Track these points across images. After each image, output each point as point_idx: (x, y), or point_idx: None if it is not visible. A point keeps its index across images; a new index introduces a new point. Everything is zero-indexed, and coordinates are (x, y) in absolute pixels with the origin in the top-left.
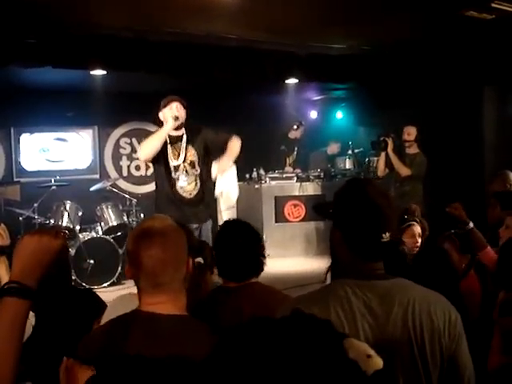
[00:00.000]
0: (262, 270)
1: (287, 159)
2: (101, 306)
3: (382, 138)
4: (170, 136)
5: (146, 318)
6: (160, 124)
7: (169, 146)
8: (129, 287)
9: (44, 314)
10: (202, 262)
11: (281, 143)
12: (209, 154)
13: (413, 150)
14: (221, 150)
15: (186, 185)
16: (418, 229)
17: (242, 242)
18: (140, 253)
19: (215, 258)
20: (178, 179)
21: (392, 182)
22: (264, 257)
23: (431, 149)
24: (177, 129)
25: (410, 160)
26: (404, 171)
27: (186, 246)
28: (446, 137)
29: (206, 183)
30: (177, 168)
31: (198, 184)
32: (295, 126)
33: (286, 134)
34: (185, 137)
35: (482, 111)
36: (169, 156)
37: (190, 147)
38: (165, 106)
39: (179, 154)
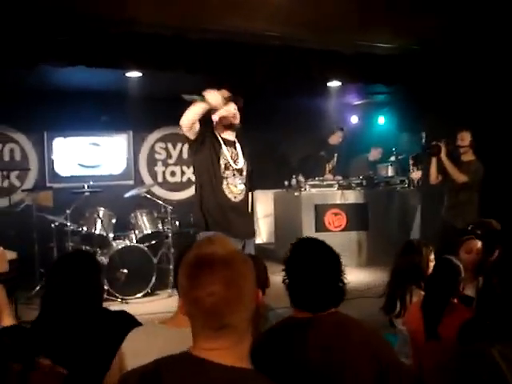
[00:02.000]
0: (343, 299)
1: (327, 166)
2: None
3: (434, 143)
4: (224, 139)
5: (196, 365)
6: (212, 127)
7: (224, 148)
8: (163, 298)
9: (74, 337)
10: None
11: (320, 149)
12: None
13: (468, 156)
14: None
15: (239, 187)
16: (477, 244)
17: (321, 265)
18: (198, 288)
19: (285, 283)
20: (230, 181)
21: (446, 191)
22: (344, 283)
23: (485, 155)
24: (230, 130)
25: (466, 167)
26: (460, 178)
27: (254, 274)
28: (501, 142)
29: (249, 194)
30: (230, 170)
31: (244, 192)
32: (335, 132)
33: (326, 140)
34: (237, 142)
35: None
36: (223, 159)
37: (241, 155)
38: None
39: (236, 159)
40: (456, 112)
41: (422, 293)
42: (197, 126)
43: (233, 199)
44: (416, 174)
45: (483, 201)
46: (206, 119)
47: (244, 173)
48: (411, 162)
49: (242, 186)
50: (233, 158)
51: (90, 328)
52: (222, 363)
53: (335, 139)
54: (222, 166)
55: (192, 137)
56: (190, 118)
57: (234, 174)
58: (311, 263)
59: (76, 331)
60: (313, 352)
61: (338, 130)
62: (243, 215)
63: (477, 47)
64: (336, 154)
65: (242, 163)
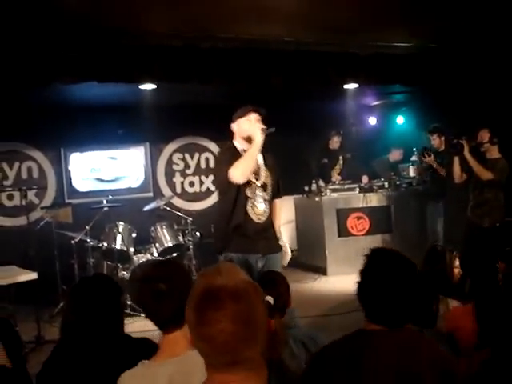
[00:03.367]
0: (418, 314)
1: (332, 171)
2: None
3: (455, 141)
4: (245, 151)
5: None
6: (231, 137)
7: None
8: None
9: (95, 366)
10: (271, 301)
11: (322, 156)
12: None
13: (493, 154)
14: None
15: (262, 208)
16: None
17: (403, 280)
18: (207, 325)
19: (358, 295)
20: (253, 201)
21: (470, 189)
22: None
23: (507, 153)
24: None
25: (491, 164)
26: (485, 175)
27: (265, 304)
28: None
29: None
30: (253, 189)
31: (268, 209)
32: (332, 137)
33: (327, 146)
34: (260, 155)
35: None
36: None
37: (264, 167)
38: (241, 116)
39: (258, 174)
40: (475, 110)
41: (450, 300)
42: None
43: (256, 221)
44: (426, 160)
45: (509, 199)
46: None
47: (269, 187)
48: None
49: (266, 206)
50: (255, 172)
51: (110, 358)
52: None
53: (334, 144)
54: (247, 190)
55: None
56: (245, 174)
57: (256, 192)
58: (393, 277)
59: (97, 360)
60: (385, 364)
61: (336, 134)
62: (267, 234)
63: (493, 44)
64: (341, 157)
65: (264, 177)
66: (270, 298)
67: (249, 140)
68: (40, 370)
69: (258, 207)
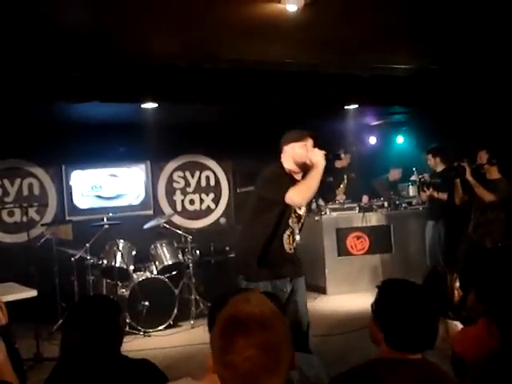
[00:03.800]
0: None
1: (336, 190)
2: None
3: (457, 164)
4: (294, 179)
5: None
6: (279, 160)
7: None
8: (186, 329)
9: None
10: None
11: (327, 174)
12: None
13: (494, 175)
14: None
15: (298, 239)
16: None
17: (423, 308)
18: (233, 353)
19: (378, 324)
20: (292, 230)
21: (472, 210)
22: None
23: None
24: (299, 171)
25: (493, 186)
26: (488, 197)
27: (290, 334)
28: None
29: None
30: (293, 218)
31: (297, 239)
32: (341, 156)
33: (333, 164)
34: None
35: None
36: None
37: None
38: (297, 141)
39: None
40: (474, 130)
41: (449, 321)
42: None
43: (288, 250)
44: (423, 195)
45: (510, 219)
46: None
47: (302, 220)
48: (418, 183)
49: (298, 238)
50: None
51: (107, 379)
52: None
53: (341, 163)
54: (288, 212)
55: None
56: (309, 197)
57: (295, 221)
58: (411, 304)
59: (94, 381)
60: None
61: (345, 153)
62: (294, 259)
63: (492, 66)
64: (346, 176)
65: (304, 208)
66: None
67: (301, 165)
68: None
69: (296, 238)
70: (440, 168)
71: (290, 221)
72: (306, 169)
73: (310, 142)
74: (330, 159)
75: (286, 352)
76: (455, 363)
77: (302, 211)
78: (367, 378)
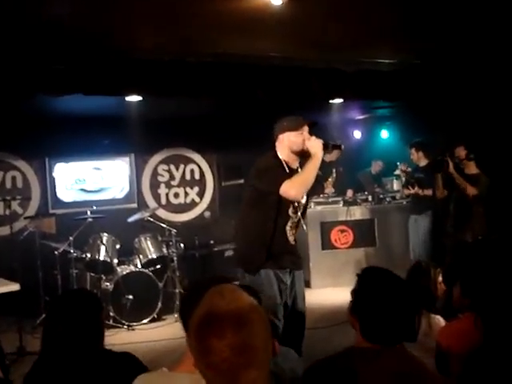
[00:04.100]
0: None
1: (325, 184)
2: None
3: (440, 158)
4: (290, 168)
5: None
6: (274, 149)
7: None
8: (170, 323)
9: (72, 379)
10: None
11: None
12: None
13: (472, 169)
14: None
15: (305, 228)
16: None
17: (399, 299)
18: (210, 353)
19: (354, 313)
20: (293, 221)
21: (452, 205)
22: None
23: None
24: (296, 158)
25: (473, 180)
26: (471, 191)
27: (269, 326)
28: (502, 154)
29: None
30: (294, 209)
31: (304, 229)
32: (335, 150)
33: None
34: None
35: None
36: None
37: None
38: (293, 129)
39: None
40: (457, 125)
41: (432, 316)
42: None
43: (291, 242)
44: (408, 192)
45: (489, 213)
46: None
47: (301, 210)
48: (404, 182)
49: (304, 227)
50: None
51: (90, 373)
52: None
53: (330, 157)
54: (286, 203)
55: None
56: (304, 191)
57: (296, 211)
58: (389, 295)
59: (76, 376)
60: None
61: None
62: (294, 250)
63: (475, 60)
64: (334, 170)
65: (305, 197)
66: None
67: (299, 154)
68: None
69: (301, 227)
70: (423, 163)
71: (290, 211)
72: (303, 155)
73: (306, 129)
74: (329, 149)
75: (265, 344)
76: (439, 358)
77: (303, 200)
78: (341, 366)
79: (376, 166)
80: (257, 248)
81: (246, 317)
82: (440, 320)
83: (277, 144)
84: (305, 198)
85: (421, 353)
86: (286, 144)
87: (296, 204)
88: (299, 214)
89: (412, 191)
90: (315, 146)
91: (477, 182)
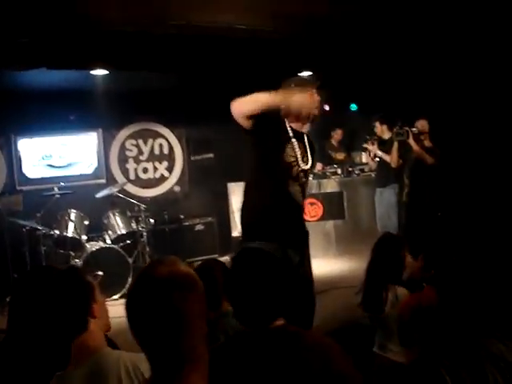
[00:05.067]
0: (288, 309)
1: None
2: None
3: (401, 128)
4: (294, 130)
5: None
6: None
7: (294, 141)
8: None
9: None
10: None
11: None
12: None
13: (427, 143)
14: None
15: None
16: None
17: (254, 280)
18: (138, 324)
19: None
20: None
21: (406, 175)
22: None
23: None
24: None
25: (430, 152)
26: (429, 160)
27: (201, 295)
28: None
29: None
30: (296, 175)
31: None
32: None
33: None
34: (305, 135)
35: None
36: (291, 155)
37: (309, 150)
38: (307, 87)
39: (303, 156)
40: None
41: (400, 288)
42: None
43: (298, 200)
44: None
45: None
46: None
47: (305, 178)
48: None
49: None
50: (301, 154)
51: (58, 352)
52: None
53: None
54: (294, 175)
55: (248, 126)
56: (249, 109)
57: (299, 175)
58: (244, 279)
59: (44, 356)
60: (258, 366)
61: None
62: (302, 226)
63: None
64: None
65: (310, 163)
66: None
67: (303, 119)
68: None
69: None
70: (386, 135)
71: (291, 172)
72: (303, 120)
73: (314, 92)
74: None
75: (196, 314)
76: (401, 330)
77: (307, 166)
78: (230, 351)
79: (336, 135)
80: (259, 213)
81: (178, 283)
82: (406, 292)
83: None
84: (310, 162)
85: (388, 324)
86: (290, 99)
87: (294, 164)
88: (303, 180)
89: (370, 147)
90: (303, 98)
91: (433, 153)
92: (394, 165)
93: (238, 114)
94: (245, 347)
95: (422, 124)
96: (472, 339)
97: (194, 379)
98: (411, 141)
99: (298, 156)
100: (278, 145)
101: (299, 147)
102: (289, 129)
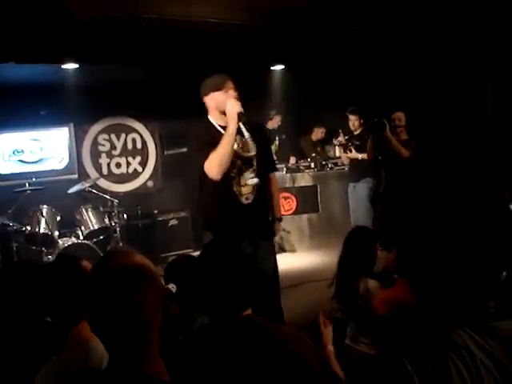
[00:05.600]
0: (255, 298)
1: None
2: None
3: (376, 120)
4: (223, 127)
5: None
6: (206, 117)
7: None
8: None
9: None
10: (173, 289)
11: None
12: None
13: (403, 136)
14: None
15: (247, 188)
16: None
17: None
18: (97, 310)
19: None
20: (239, 180)
21: (383, 168)
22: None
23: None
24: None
25: (406, 144)
26: (405, 153)
27: (156, 287)
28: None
29: (263, 186)
30: (237, 166)
31: (256, 188)
32: (273, 117)
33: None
34: (241, 125)
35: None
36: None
37: (249, 138)
38: (216, 89)
39: (243, 146)
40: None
41: (370, 281)
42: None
43: (244, 202)
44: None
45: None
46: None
47: (254, 162)
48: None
49: (255, 181)
50: (240, 146)
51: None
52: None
53: (272, 123)
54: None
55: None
56: (223, 169)
57: (242, 168)
58: (210, 270)
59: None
60: (220, 357)
61: (276, 114)
62: (257, 216)
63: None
64: (277, 138)
65: (254, 149)
66: (172, 286)
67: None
68: None
69: (247, 185)
70: (359, 129)
71: (233, 172)
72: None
73: (231, 85)
74: (244, 116)
75: (150, 305)
76: (375, 323)
77: (250, 154)
78: (196, 343)
79: (318, 133)
80: (208, 208)
81: (131, 275)
82: (377, 285)
83: (207, 107)
84: (253, 149)
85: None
86: (214, 107)
87: (238, 161)
88: (248, 170)
89: (350, 155)
90: (230, 108)
91: (408, 146)
92: (368, 157)
93: (220, 174)
94: (209, 338)
95: (399, 117)
96: (436, 329)
97: (150, 367)
98: (388, 133)
99: (236, 149)
100: (211, 145)
101: (237, 140)
102: (218, 128)
